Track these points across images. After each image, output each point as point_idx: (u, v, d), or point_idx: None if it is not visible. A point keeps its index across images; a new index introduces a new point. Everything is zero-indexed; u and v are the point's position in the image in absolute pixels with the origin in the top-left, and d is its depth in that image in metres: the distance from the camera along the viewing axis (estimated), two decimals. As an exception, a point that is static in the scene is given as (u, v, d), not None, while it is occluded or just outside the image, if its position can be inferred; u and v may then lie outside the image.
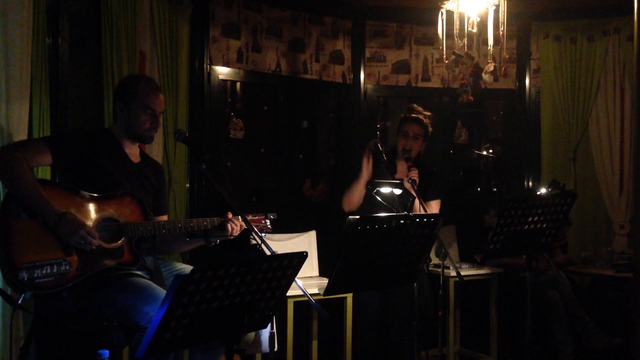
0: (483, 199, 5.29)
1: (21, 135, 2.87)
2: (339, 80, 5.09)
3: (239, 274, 1.91)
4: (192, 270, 1.77)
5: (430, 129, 3.81)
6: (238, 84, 4.70)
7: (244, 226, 2.67)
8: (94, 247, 2.38)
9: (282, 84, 4.83)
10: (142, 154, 2.86)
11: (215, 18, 4.45)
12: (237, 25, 4.57)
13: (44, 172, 3.12)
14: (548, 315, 4.17)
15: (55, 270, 2.31)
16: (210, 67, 4.42)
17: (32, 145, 2.53)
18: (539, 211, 2.80)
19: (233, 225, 2.65)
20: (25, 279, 2.25)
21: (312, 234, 3.96)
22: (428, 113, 3.83)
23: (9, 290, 2.51)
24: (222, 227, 2.65)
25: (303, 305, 3.47)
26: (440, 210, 3.75)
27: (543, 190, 3.12)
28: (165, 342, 1.88)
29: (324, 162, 5.21)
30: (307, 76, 4.94)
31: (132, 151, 2.76)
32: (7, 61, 2.82)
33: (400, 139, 3.75)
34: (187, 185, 4.23)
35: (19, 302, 2.40)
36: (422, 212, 3.15)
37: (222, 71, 4.50)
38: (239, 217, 2.66)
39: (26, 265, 2.25)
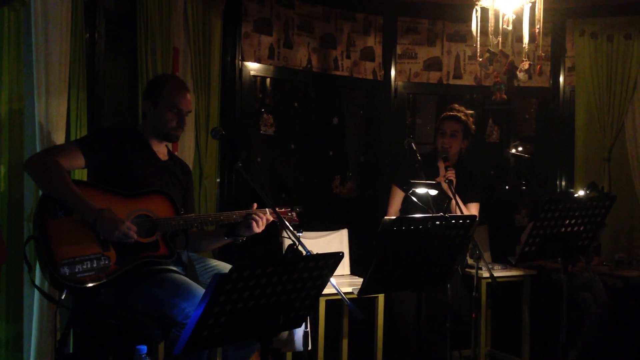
0: (513, 198, 5.22)
1: (59, 131, 2.90)
2: (370, 77, 5.06)
3: (275, 274, 1.92)
4: (230, 270, 1.79)
5: (472, 127, 3.79)
6: (268, 80, 4.71)
7: (270, 220, 2.68)
8: (133, 241, 2.41)
9: (313, 81, 4.82)
10: (170, 152, 2.89)
11: (248, 14, 4.45)
12: (269, 21, 4.57)
13: (75, 172, 3.14)
14: (580, 318, 4.10)
15: (95, 265, 2.34)
16: (241, 62, 4.43)
17: (65, 149, 2.56)
18: (576, 214, 2.75)
19: (257, 219, 2.64)
20: (67, 273, 2.29)
21: (344, 233, 3.95)
22: (470, 112, 3.81)
23: (45, 288, 2.55)
24: (248, 223, 2.64)
25: (334, 303, 3.47)
26: (479, 213, 3.72)
27: (581, 192, 3.06)
28: (203, 339, 1.89)
29: (354, 159, 5.20)
30: (337, 72, 4.92)
31: (160, 149, 2.80)
32: (48, 57, 2.84)
33: (439, 138, 3.74)
34: (218, 180, 4.25)
35: (62, 298, 2.44)
36: (459, 213, 3.12)
37: (253, 67, 4.51)
38: (266, 210, 2.67)
39: (67, 261, 2.29)
